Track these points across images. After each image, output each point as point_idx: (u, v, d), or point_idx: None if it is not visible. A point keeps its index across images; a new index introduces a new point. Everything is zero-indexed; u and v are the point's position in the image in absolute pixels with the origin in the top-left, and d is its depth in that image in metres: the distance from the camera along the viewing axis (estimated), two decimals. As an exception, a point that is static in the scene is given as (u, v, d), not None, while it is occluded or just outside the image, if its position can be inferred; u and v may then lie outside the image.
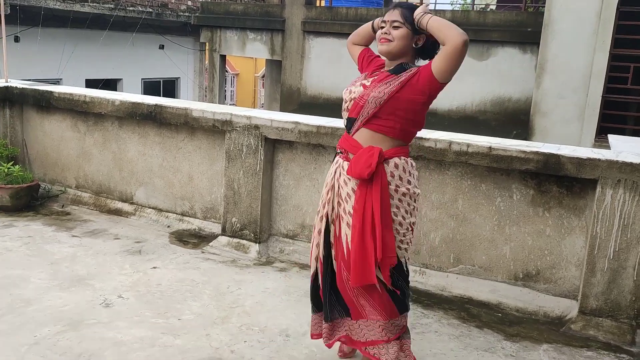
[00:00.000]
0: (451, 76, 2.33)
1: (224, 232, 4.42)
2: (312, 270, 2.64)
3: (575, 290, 3.53)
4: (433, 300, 3.64)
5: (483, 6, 19.36)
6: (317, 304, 2.67)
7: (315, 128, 3.96)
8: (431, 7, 15.53)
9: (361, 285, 2.41)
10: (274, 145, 4.25)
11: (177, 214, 4.83)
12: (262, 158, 4.16)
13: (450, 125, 9.32)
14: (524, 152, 3.42)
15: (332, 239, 2.54)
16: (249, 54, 13.06)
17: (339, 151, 2.54)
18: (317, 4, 13.17)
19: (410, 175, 2.44)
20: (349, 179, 2.43)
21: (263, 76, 31.27)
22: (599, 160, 3.25)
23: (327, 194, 2.52)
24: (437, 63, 2.31)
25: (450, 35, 2.26)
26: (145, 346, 2.84)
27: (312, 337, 2.75)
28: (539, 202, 3.54)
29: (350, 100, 2.47)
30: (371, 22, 2.70)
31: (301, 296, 3.53)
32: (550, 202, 3.52)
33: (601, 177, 3.25)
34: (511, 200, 3.61)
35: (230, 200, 4.35)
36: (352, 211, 2.41)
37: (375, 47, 2.59)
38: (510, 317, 3.49)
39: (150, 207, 4.94)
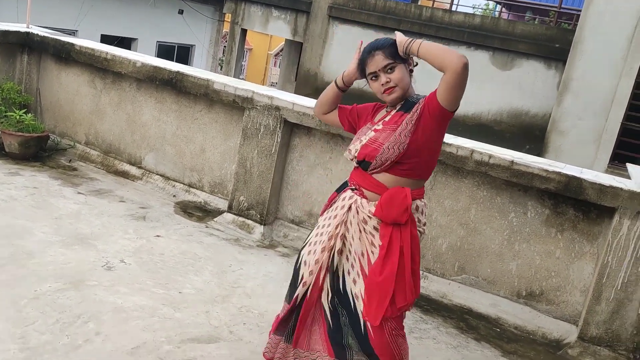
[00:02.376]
0: (459, 102, 2.18)
1: (230, 209, 4.38)
2: (298, 293, 2.36)
3: (576, 315, 3.51)
4: (433, 306, 3.62)
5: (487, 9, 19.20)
6: (284, 329, 2.45)
7: (338, 118, 3.90)
8: (454, 7, 15.36)
9: (375, 323, 2.23)
10: (291, 129, 4.20)
11: (184, 184, 4.79)
12: (279, 140, 4.11)
13: (463, 132, 9.24)
14: (546, 170, 3.38)
15: (344, 275, 2.33)
16: (270, 31, 12.94)
17: (352, 187, 2.35)
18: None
19: (425, 216, 2.37)
20: (369, 217, 2.25)
21: (276, 54, 31.12)
22: (621, 189, 3.21)
23: (337, 228, 2.31)
24: (442, 94, 2.15)
25: (448, 61, 2.07)
26: (144, 315, 2.82)
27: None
28: (553, 222, 3.51)
29: (360, 142, 2.31)
30: (333, 82, 2.50)
31: (302, 285, 3.50)
32: (564, 224, 3.49)
33: (621, 206, 3.21)
34: (525, 217, 3.57)
35: (240, 178, 4.31)
36: (368, 253, 2.28)
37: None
38: (508, 333, 3.48)
39: (158, 174, 4.90)
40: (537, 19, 12.91)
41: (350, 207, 2.30)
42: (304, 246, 2.44)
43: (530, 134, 9.94)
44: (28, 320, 2.59)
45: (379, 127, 2.29)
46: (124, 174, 4.95)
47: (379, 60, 2.23)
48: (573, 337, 3.40)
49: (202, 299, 3.11)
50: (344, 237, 2.32)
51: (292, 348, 2.41)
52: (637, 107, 8.74)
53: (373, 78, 2.27)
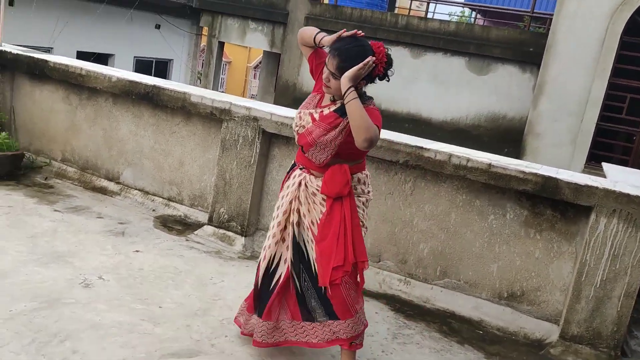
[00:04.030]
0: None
1: (210, 221, 4.35)
2: (265, 272, 2.70)
3: (557, 314, 3.53)
4: (415, 311, 3.62)
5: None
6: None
7: (315, 126, 3.90)
8: (430, 15, 15.55)
9: (324, 285, 2.54)
10: (270, 139, 4.19)
11: (163, 198, 4.75)
12: (258, 151, 4.10)
13: (442, 137, 9.28)
14: (523, 172, 3.41)
15: (304, 243, 2.64)
16: (248, 43, 12.95)
17: (300, 167, 2.64)
18: (322, 1, 13.08)
19: (368, 185, 2.67)
20: (317, 190, 2.56)
21: (255, 66, 31.12)
22: (597, 188, 3.25)
23: (291, 203, 2.62)
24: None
25: (356, 136, 2.33)
26: (123, 331, 2.77)
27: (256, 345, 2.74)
28: (531, 223, 3.54)
29: (300, 127, 2.56)
30: (315, 34, 2.59)
31: (285, 295, 3.48)
32: (542, 224, 3.52)
33: (597, 205, 3.25)
34: (504, 219, 3.60)
35: (220, 190, 4.28)
36: (318, 222, 2.56)
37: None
38: (491, 335, 3.49)
39: (136, 189, 4.85)
40: (529, 27, 13.03)
41: (300, 183, 2.61)
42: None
43: (508, 137, 10.05)
44: (2, 341, 2.53)
45: (317, 116, 2.53)
46: (102, 190, 4.89)
47: (332, 63, 2.41)
48: (555, 337, 3.42)
49: (183, 313, 3.07)
50: (298, 211, 2.62)
51: (262, 321, 2.68)
52: (610, 107, 8.89)
53: (325, 64, 2.47)
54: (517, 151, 9.37)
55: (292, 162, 2.77)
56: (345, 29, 2.53)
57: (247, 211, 4.20)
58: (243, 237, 4.21)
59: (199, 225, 4.43)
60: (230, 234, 4.24)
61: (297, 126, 2.59)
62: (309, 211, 2.60)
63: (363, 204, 2.63)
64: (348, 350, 2.64)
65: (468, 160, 3.52)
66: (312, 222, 2.60)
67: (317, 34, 2.57)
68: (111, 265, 3.50)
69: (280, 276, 2.67)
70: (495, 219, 3.62)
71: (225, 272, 3.71)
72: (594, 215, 3.26)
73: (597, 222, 3.25)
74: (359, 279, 2.60)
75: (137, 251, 3.78)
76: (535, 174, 3.39)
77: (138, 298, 3.14)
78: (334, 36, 2.47)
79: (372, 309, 3.52)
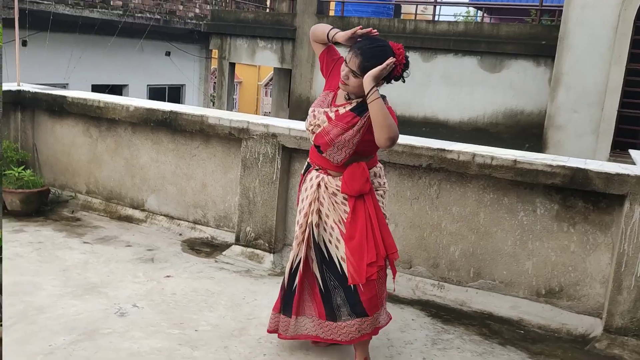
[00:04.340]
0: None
1: (237, 241, 4.35)
2: (289, 272, 2.80)
3: (599, 308, 3.44)
4: (452, 315, 3.56)
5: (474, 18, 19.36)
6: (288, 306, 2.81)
7: (334, 137, 3.89)
8: (436, 18, 15.51)
9: (361, 282, 2.57)
10: (290, 155, 4.19)
11: (189, 222, 4.76)
12: (279, 167, 4.10)
13: (461, 137, 9.24)
14: (550, 166, 3.35)
15: (324, 244, 2.69)
16: (258, 62, 13.06)
17: (316, 168, 2.68)
18: (328, 14, 13.15)
19: (383, 177, 2.75)
20: (337, 190, 2.60)
21: (266, 84, 31.36)
22: (628, 175, 3.19)
23: (310, 205, 2.66)
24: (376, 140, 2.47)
25: (379, 135, 2.41)
26: (162, 357, 2.77)
27: (280, 337, 2.89)
28: (563, 217, 3.47)
29: (316, 126, 2.57)
30: (327, 31, 2.64)
31: (319, 309, 3.45)
32: (575, 217, 3.45)
33: (630, 192, 3.18)
34: (534, 214, 3.54)
35: (245, 209, 4.28)
36: (344, 220, 2.60)
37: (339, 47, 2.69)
38: (532, 334, 3.41)
39: (161, 215, 4.88)
40: (539, 20, 12.92)
41: (319, 185, 2.65)
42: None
43: (528, 132, 9.93)
44: (45, 376, 2.54)
45: (332, 115, 2.54)
46: (128, 219, 4.93)
47: (354, 62, 2.44)
48: (599, 331, 3.34)
49: (219, 334, 3.06)
50: (319, 212, 2.66)
51: (294, 318, 2.77)
52: (631, 94, 8.74)
53: (345, 62, 2.50)
54: (538, 145, 9.25)
55: (306, 162, 2.77)
56: (361, 26, 2.57)
57: (273, 228, 4.19)
58: (271, 254, 4.20)
59: (227, 245, 4.43)
60: (258, 252, 4.23)
61: (311, 125, 2.60)
62: (334, 210, 2.64)
63: (381, 196, 2.69)
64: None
65: (492, 158, 3.48)
66: (338, 221, 2.64)
67: (330, 29, 2.62)
68: (144, 292, 3.51)
69: (297, 275, 2.76)
70: (526, 215, 3.55)
71: (257, 290, 3.70)
72: (627, 204, 3.19)
73: (631, 210, 3.18)
74: (388, 271, 2.68)
75: (168, 276, 3.79)
76: (563, 167, 3.33)
77: (173, 323, 3.13)
78: (349, 32, 2.51)
79: (408, 316, 3.47)
